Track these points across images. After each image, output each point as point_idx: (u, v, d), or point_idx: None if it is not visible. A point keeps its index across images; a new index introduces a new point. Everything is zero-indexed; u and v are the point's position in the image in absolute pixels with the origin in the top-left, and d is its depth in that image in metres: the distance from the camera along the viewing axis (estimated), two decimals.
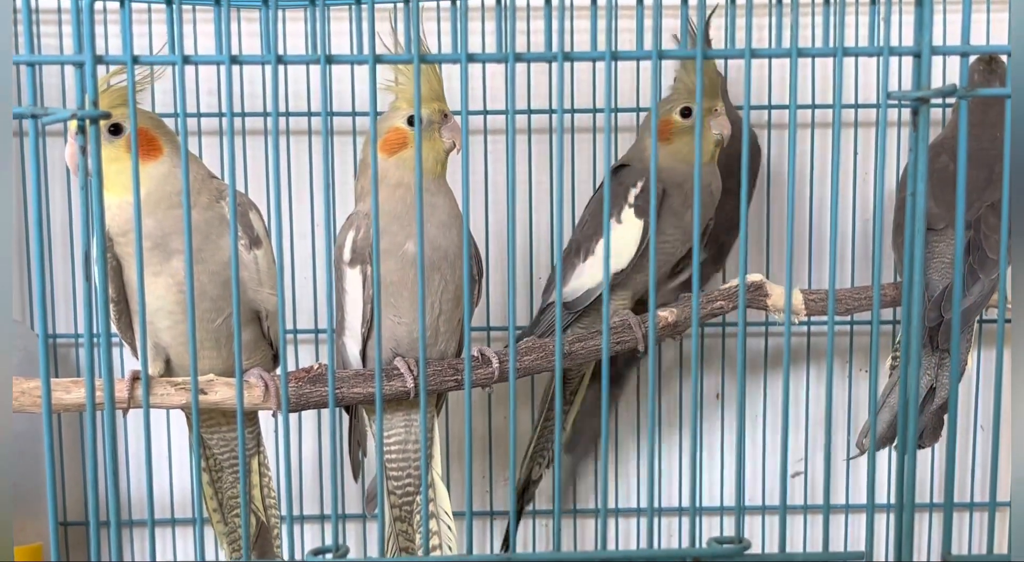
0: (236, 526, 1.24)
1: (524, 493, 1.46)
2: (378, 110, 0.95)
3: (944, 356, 1.25)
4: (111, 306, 1.10)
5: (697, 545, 0.83)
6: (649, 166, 1.24)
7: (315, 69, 1.45)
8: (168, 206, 1.05)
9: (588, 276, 1.29)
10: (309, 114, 1.48)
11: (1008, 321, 1.39)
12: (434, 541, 1.21)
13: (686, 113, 1.25)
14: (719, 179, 1.28)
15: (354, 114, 1.49)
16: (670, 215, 1.25)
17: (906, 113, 1.37)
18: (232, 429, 1.21)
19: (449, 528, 1.21)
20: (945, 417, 1.26)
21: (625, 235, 1.25)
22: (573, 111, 1.51)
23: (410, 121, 1.11)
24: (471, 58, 0.80)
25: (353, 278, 1.13)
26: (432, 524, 1.21)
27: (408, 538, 1.23)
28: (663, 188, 1.23)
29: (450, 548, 1.21)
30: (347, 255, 1.13)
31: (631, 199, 1.25)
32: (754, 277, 1.26)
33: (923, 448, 1.31)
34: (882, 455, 1.53)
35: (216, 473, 1.24)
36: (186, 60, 0.77)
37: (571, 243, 1.33)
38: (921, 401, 1.25)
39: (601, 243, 1.26)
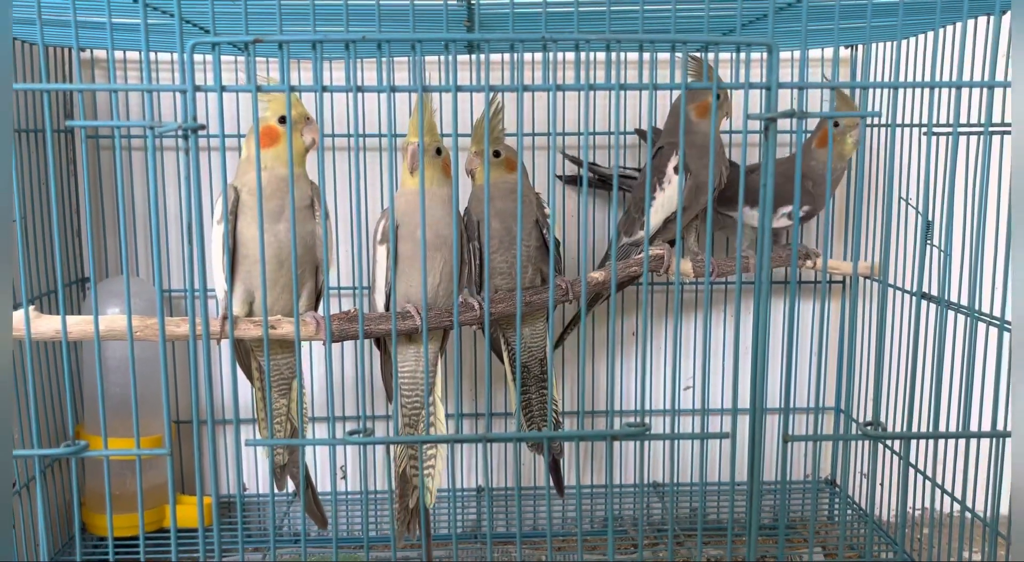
0: (275, 432, 1.22)
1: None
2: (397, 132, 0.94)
3: None
4: (226, 255, 1.09)
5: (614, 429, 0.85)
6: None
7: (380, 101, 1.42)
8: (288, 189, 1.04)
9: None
10: (345, 135, 1.47)
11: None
12: (432, 449, 1.18)
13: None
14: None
15: (364, 136, 1.46)
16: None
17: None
18: (282, 356, 1.19)
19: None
20: None
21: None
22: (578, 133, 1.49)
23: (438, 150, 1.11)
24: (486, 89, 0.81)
25: (381, 253, 1.13)
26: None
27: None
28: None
29: (442, 454, 1.19)
30: (379, 236, 1.12)
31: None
32: (658, 250, 1.24)
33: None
34: (744, 370, 1.54)
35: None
36: (259, 89, 0.77)
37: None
38: None
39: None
